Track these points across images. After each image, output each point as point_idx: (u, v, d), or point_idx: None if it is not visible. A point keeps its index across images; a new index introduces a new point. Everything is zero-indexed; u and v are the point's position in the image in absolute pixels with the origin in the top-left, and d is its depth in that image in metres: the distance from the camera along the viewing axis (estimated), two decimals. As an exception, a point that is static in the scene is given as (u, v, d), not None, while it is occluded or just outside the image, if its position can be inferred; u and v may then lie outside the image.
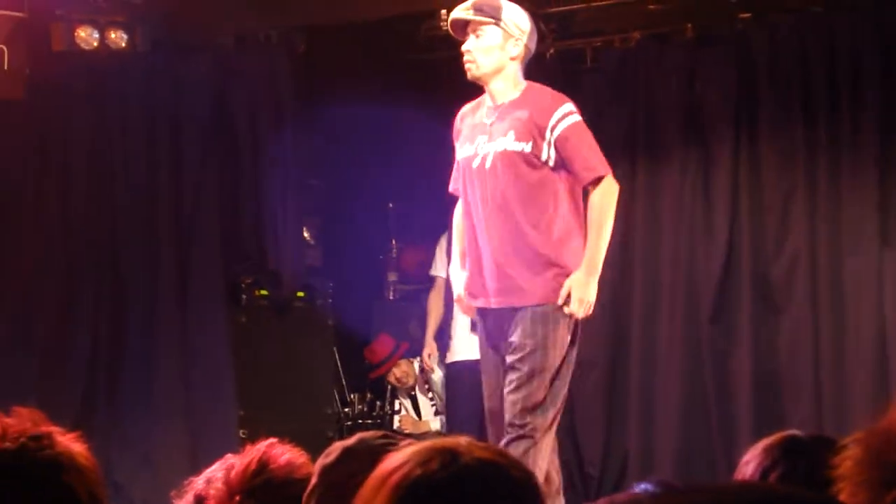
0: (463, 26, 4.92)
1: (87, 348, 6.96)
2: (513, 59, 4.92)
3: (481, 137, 4.92)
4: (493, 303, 4.92)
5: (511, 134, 4.84)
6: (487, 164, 4.87)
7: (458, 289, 5.13)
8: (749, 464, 2.43)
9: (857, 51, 6.54)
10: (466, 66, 4.89)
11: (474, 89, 5.06)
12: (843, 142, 6.57)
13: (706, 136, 6.90)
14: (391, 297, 8.62)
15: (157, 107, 7.20)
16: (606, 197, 4.91)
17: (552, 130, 4.84)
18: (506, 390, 4.80)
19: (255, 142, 7.32)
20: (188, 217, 7.20)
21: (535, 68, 7.22)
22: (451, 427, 7.41)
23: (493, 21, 4.87)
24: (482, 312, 5.02)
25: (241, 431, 6.99)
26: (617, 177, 7.03)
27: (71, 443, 1.96)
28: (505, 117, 4.90)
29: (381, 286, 8.61)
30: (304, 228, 7.73)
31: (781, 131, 6.70)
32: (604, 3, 6.95)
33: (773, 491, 1.46)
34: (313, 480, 2.15)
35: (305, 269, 7.64)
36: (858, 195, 6.53)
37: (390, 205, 8.51)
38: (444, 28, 5.04)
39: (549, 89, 5.03)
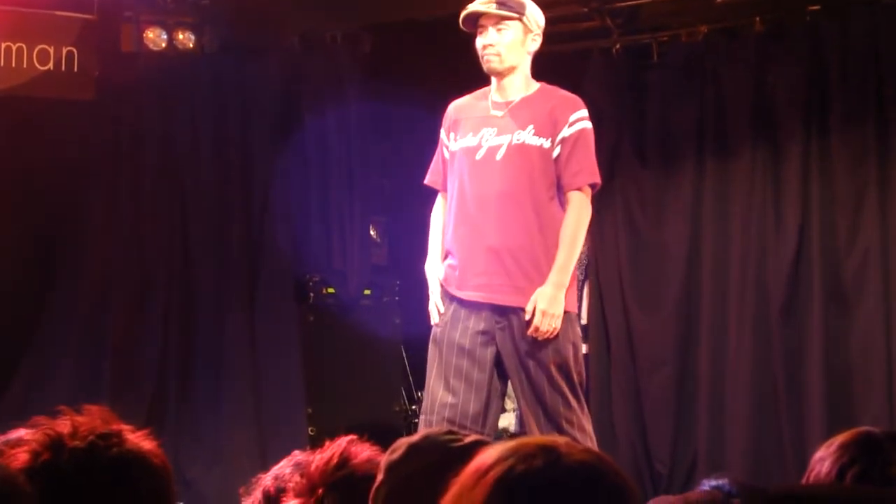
0: (476, 19, 4.86)
1: (158, 346, 7.02)
2: (529, 54, 4.91)
3: (487, 130, 4.85)
4: (476, 297, 4.80)
5: (531, 128, 4.80)
6: (498, 156, 4.80)
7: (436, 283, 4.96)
8: (824, 461, 2.38)
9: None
10: (488, 58, 4.83)
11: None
12: (916, 135, 6.48)
13: (776, 131, 6.81)
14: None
15: (224, 107, 7.25)
16: (585, 210, 4.83)
17: (569, 127, 4.81)
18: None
19: (322, 141, 7.35)
20: (257, 216, 7.26)
21: (602, 63, 7.23)
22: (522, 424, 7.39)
23: (517, 16, 4.84)
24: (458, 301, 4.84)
25: (309, 429, 7.03)
26: (685, 173, 7.05)
27: (141, 440, 1.97)
28: (520, 112, 4.84)
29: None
30: (371, 227, 7.75)
31: (853, 125, 6.60)
32: (670, -3, 6.91)
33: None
34: (379, 477, 2.15)
35: (372, 268, 7.66)
36: (932, 190, 6.44)
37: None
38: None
39: (564, 90, 4.98)
